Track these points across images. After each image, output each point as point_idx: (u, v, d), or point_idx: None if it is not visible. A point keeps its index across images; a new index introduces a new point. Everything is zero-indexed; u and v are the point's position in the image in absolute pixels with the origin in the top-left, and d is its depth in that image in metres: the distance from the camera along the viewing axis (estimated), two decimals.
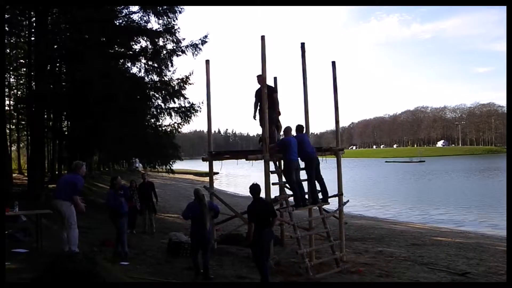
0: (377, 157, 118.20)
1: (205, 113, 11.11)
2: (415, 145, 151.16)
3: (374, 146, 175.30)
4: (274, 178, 9.23)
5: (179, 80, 16.85)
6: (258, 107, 9.66)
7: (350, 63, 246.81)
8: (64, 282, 5.74)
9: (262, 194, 9.28)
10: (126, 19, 16.78)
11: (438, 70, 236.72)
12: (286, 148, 8.97)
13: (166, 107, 17.16)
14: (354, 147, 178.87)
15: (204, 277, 7.25)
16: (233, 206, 11.23)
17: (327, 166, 12.41)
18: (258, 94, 9.53)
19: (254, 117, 9.90)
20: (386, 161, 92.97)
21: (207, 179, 12.96)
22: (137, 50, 16.72)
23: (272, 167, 9.29)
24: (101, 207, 16.96)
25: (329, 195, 9.76)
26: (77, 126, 17.81)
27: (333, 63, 10.60)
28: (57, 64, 17.52)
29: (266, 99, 9.04)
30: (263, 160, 8.94)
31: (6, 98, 20.15)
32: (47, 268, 6.05)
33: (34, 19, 16.09)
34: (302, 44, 9.89)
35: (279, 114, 9.86)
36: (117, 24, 16.53)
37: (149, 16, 16.23)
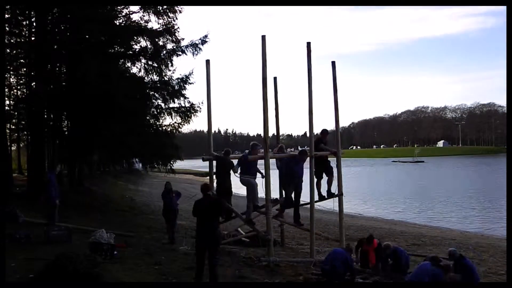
0: (376, 157, 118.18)
1: (205, 113, 11.12)
2: (415, 145, 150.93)
3: (374, 146, 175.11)
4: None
5: (179, 80, 16.82)
6: None
7: (350, 62, 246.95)
8: (64, 282, 5.74)
9: (262, 194, 9.36)
10: (126, 19, 16.78)
11: (438, 70, 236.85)
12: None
13: (166, 107, 17.13)
14: (354, 147, 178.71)
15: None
16: (234, 206, 11.23)
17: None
18: None
19: None
20: (393, 161, 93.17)
21: (207, 179, 12.96)
22: (137, 50, 16.69)
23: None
24: (101, 208, 16.98)
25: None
26: (77, 126, 17.79)
27: (333, 63, 10.59)
28: (57, 64, 17.49)
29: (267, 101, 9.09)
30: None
31: (6, 98, 20.10)
32: (47, 268, 6.05)
33: (34, 19, 16.07)
34: (308, 44, 9.75)
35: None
36: (117, 24, 16.52)
37: (149, 16, 16.24)
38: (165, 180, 13.00)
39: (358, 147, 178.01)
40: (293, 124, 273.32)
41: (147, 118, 17.45)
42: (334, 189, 10.45)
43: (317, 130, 10.86)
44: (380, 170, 66.64)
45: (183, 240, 10.79)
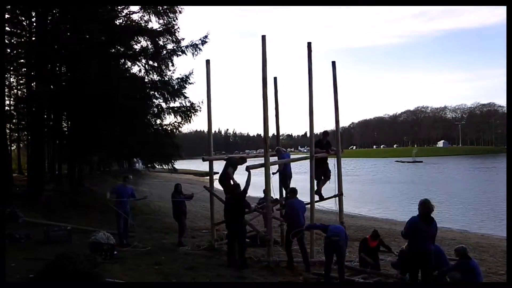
0: (376, 157, 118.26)
1: (205, 113, 11.15)
2: (415, 145, 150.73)
3: (374, 146, 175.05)
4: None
5: (179, 80, 16.84)
6: None
7: (350, 62, 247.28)
8: (64, 282, 5.73)
9: (262, 194, 9.38)
10: (126, 19, 16.78)
11: (438, 70, 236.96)
12: None
13: (167, 106, 17.16)
14: (354, 147, 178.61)
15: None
16: None
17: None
18: None
19: None
20: (396, 161, 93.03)
21: (207, 178, 12.96)
22: (137, 50, 16.71)
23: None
24: (101, 208, 16.97)
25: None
26: (77, 126, 17.79)
27: (333, 63, 10.59)
28: (57, 64, 17.49)
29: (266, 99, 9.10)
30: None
31: (6, 98, 20.12)
32: (47, 268, 6.05)
33: (34, 19, 16.07)
34: (309, 44, 9.73)
35: None
36: (118, 24, 16.53)
37: (149, 16, 16.25)
38: (165, 180, 13.03)
39: (353, 147, 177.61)
40: (293, 124, 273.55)
41: (148, 117, 17.48)
42: (331, 191, 10.52)
43: (317, 130, 10.86)
44: (381, 171, 66.63)
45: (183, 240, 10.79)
